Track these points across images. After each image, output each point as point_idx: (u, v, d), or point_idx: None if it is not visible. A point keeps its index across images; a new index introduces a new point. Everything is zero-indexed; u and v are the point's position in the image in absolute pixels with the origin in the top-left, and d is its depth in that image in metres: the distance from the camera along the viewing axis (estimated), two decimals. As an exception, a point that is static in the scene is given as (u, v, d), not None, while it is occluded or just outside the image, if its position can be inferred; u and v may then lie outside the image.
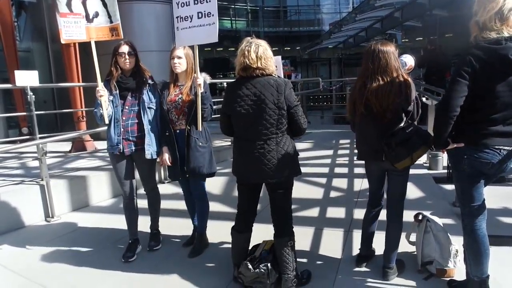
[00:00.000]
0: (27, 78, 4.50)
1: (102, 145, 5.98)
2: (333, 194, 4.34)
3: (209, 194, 3.17)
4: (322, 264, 2.75)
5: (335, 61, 22.82)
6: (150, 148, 2.87)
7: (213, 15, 2.69)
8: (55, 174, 4.29)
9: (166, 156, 2.89)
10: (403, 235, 2.55)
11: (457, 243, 2.48)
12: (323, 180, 4.78)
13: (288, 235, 2.39)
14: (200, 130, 2.83)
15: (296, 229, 2.46)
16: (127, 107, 2.85)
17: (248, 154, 2.31)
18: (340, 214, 3.67)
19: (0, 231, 3.51)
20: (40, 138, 4.41)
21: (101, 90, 2.76)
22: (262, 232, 2.64)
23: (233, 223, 2.56)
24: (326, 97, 13.35)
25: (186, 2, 2.77)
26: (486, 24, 1.90)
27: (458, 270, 2.45)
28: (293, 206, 2.48)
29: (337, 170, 5.39)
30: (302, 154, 3.01)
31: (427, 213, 2.71)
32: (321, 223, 3.46)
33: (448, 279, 2.41)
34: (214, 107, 3.00)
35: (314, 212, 3.77)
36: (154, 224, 3.21)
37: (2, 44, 6.73)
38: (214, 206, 3.54)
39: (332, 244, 3.04)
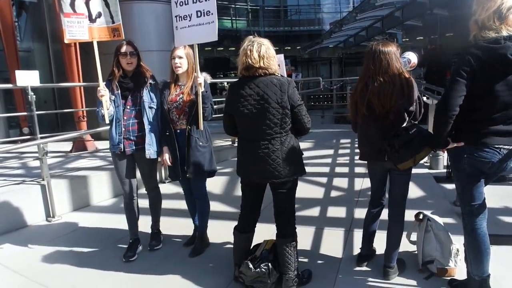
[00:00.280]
0: (27, 78, 4.51)
1: (102, 145, 6.00)
2: (333, 193, 4.34)
3: (209, 193, 3.17)
4: (323, 264, 2.75)
5: (335, 61, 22.79)
6: (151, 148, 2.87)
7: (212, 14, 2.67)
8: (56, 174, 4.30)
9: (167, 156, 2.90)
10: (403, 234, 2.55)
11: (457, 242, 2.48)
12: (323, 180, 4.78)
13: (291, 236, 2.38)
14: (202, 129, 2.84)
15: (297, 229, 2.46)
16: (128, 107, 2.86)
17: (252, 154, 2.29)
18: (341, 213, 3.67)
19: (1, 231, 3.51)
20: (41, 138, 4.42)
21: (102, 90, 2.77)
22: (263, 232, 2.64)
23: (233, 223, 2.55)
24: (326, 97, 13.35)
25: (184, 1, 2.75)
26: (485, 23, 1.90)
27: (459, 269, 2.45)
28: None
29: (338, 169, 5.39)
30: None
31: (427, 212, 2.71)
32: (322, 223, 3.46)
33: (449, 278, 2.41)
34: (215, 106, 3.00)
35: (314, 211, 3.77)
36: (155, 224, 3.21)
37: (3, 44, 6.74)
38: (214, 206, 3.54)
39: (332, 243, 3.04)
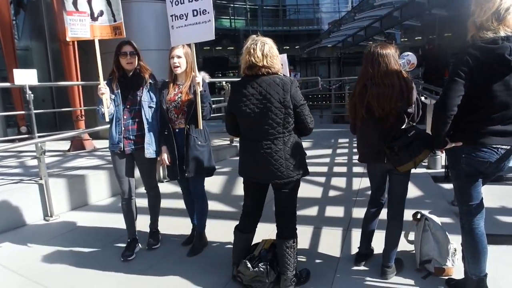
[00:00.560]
0: (25, 77, 4.50)
1: (101, 144, 6.00)
2: (332, 193, 4.34)
3: (208, 193, 3.17)
4: (321, 263, 2.75)
5: (334, 60, 22.85)
6: (150, 147, 2.87)
7: (208, 13, 2.64)
8: (54, 173, 4.29)
9: (165, 155, 2.89)
10: (402, 234, 2.56)
11: (455, 241, 2.49)
12: (322, 179, 4.79)
13: (292, 237, 2.37)
14: (201, 128, 2.84)
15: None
16: (128, 106, 2.86)
17: (255, 154, 2.27)
18: (339, 213, 3.68)
19: (-1, 230, 3.51)
20: (39, 137, 4.41)
21: (103, 88, 2.77)
22: (261, 231, 2.64)
23: (232, 222, 2.55)
24: (325, 96, 13.37)
25: (180, 0, 2.73)
26: (483, 24, 1.91)
27: (456, 268, 2.46)
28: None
29: (336, 169, 5.39)
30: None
31: (425, 212, 2.71)
32: (320, 222, 3.47)
33: (446, 277, 2.42)
34: (213, 106, 3.00)
35: (313, 211, 3.77)
36: (154, 223, 3.21)
37: (1, 42, 6.71)
38: (213, 205, 3.54)
39: (331, 243, 3.04)
